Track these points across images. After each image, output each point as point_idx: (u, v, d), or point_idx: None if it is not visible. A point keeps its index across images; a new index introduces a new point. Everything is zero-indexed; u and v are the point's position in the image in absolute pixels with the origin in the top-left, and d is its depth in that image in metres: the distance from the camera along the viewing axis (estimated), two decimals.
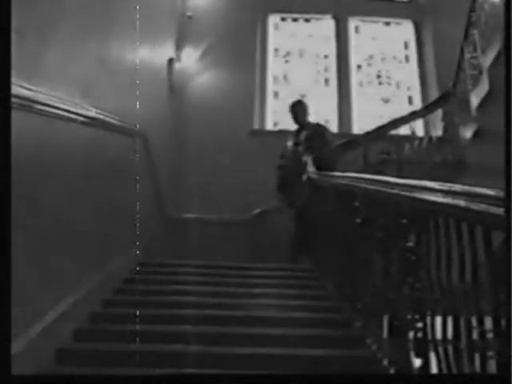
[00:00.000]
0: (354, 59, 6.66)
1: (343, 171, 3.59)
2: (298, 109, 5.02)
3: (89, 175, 2.87)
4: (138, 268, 3.88)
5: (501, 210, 1.21)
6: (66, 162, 2.51)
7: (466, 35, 4.28)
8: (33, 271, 2.11)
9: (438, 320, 1.67)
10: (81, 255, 2.73)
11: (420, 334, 1.79)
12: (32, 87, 2.07)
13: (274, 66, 6.57)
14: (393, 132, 4.60)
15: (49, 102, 2.25)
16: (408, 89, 6.63)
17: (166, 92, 5.53)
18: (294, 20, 6.82)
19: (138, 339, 2.49)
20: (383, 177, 2.62)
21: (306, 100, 5.49)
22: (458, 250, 1.56)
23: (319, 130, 4.95)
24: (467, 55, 4.28)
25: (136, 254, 3.97)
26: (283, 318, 2.85)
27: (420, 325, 1.80)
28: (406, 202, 1.97)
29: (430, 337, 1.73)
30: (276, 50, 6.68)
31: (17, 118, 1.86)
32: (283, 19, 6.81)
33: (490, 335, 1.36)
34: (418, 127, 5.28)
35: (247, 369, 2.22)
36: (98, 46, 3.16)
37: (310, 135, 4.78)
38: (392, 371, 2.01)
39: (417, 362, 1.77)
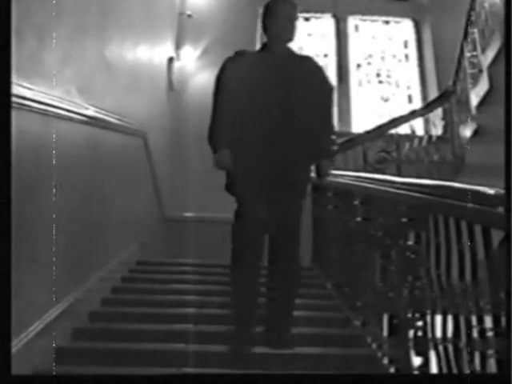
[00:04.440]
0: (353, 58, 6.66)
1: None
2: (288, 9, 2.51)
3: (88, 174, 2.87)
4: (136, 267, 3.88)
5: (500, 209, 1.21)
6: (65, 161, 2.51)
7: (466, 34, 4.28)
8: (33, 270, 2.10)
9: (438, 319, 1.66)
10: (80, 254, 2.73)
11: (420, 333, 1.79)
12: (31, 86, 2.07)
13: None
14: (392, 131, 4.60)
15: (48, 101, 2.25)
16: (408, 87, 6.63)
17: (165, 91, 5.53)
18: None
19: (137, 338, 2.49)
20: (383, 175, 2.62)
21: None
22: (458, 248, 1.56)
23: (319, 74, 2.59)
24: (467, 54, 4.28)
25: (135, 252, 3.97)
26: None
27: (420, 323, 1.80)
28: (405, 200, 1.97)
29: (430, 335, 1.73)
30: None
31: (17, 117, 1.86)
32: None
33: (490, 334, 1.36)
34: (418, 126, 5.28)
35: (247, 368, 2.22)
36: (98, 44, 3.15)
37: (298, 74, 2.49)
38: (392, 370, 2.01)
39: (417, 361, 1.77)
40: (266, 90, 2.42)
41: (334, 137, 2.65)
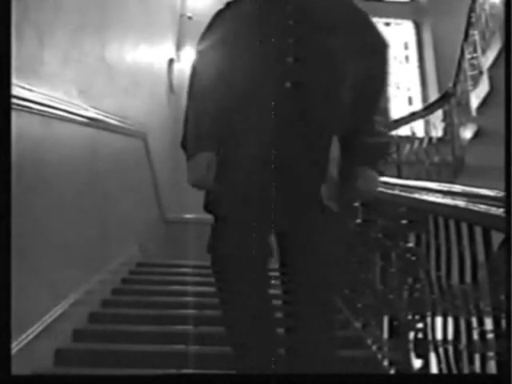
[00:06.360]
0: None
1: None
2: None
3: (88, 175, 2.87)
4: (136, 268, 3.88)
5: (500, 211, 1.21)
6: (65, 163, 2.51)
7: (466, 36, 4.29)
8: (33, 271, 2.10)
9: (439, 321, 1.66)
10: (80, 255, 2.72)
11: (420, 335, 1.79)
12: (32, 87, 2.07)
13: None
14: (393, 132, 4.60)
15: (48, 103, 2.25)
16: (408, 89, 6.64)
17: (165, 92, 5.53)
18: None
19: (137, 339, 2.49)
20: (383, 177, 2.62)
21: None
22: (458, 250, 1.56)
23: (363, 23, 1.63)
24: (467, 56, 4.29)
25: (135, 254, 3.97)
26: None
27: (420, 325, 1.80)
28: (405, 202, 1.97)
29: (430, 338, 1.72)
30: None
31: (17, 118, 1.86)
32: None
33: (490, 336, 1.36)
34: (418, 128, 5.28)
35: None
36: (98, 46, 3.15)
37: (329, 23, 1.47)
38: (392, 372, 2.01)
39: (417, 363, 1.77)
40: (273, 56, 1.45)
41: (386, 131, 1.54)
